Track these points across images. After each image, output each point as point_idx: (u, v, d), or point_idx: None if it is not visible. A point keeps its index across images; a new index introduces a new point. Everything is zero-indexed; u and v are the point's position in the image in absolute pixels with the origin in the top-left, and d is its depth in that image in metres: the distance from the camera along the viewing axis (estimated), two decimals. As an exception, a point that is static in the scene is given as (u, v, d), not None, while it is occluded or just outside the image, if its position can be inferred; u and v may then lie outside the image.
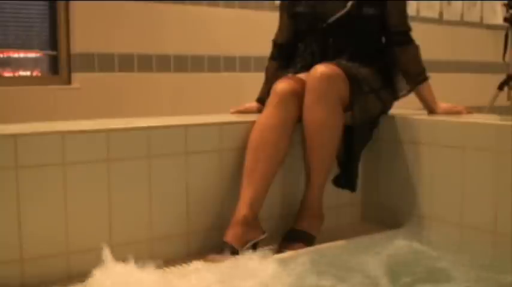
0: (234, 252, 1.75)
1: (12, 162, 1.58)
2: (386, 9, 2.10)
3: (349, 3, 2.06)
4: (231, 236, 1.79)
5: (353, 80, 1.94)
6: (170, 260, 1.76)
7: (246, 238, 1.81)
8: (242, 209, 1.83)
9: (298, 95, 1.94)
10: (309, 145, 1.94)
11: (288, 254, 1.80)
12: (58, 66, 3.45)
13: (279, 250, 1.87)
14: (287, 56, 2.24)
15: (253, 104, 2.22)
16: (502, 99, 4.05)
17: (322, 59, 2.04)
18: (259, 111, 2.11)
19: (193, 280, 1.56)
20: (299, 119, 1.95)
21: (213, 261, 1.71)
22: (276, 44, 2.26)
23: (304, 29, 2.15)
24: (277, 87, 1.96)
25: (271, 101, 1.94)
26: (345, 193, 2.09)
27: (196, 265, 1.71)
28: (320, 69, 1.91)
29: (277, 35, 2.27)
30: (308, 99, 1.92)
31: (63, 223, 1.66)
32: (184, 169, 1.87)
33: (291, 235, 1.93)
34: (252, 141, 1.91)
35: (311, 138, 1.92)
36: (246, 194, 1.85)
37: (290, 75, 2.05)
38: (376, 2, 2.08)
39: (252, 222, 1.83)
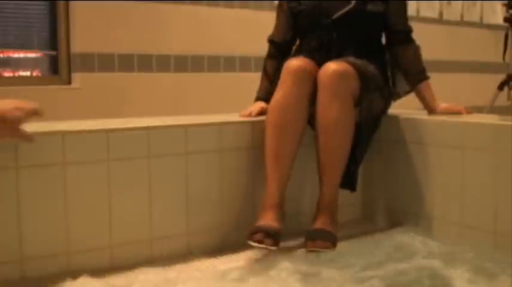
0: (276, 235, 1.76)
1: (13, 162, 1.58)
2: (389, 8, 2.11)
3: (354, 0, 2.06)
4: (269, 219, 1.80)
5: (363, 78, 1.95)
6: (170, 260, 1.76)
7: (281, 223, 1.83)
8: (274, 194, 1.85)
9: (311, 73, 1.94)
10: (324, 143, 1.91)
11: (286, 254, 1.80)
12: (58, 66, 3.45)
13: (305, 249, 1.84)
14: (285, 54, 2.23)
15: (263, 105, 2.14)
16: (502, 99, 4.05)
17: (325, 55, 2.04)
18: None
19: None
20: (314, 97, 1.94)
21: (259, 243, 1.72)
22: (274, 43, 2.24)
23: (307, 25, 2.15)
24: (292, 65, 1.95)
25: (286, 79, 1.93)
26: (345, 193, 2.09)
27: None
28: (332, 66, 1.92)
29: (275, 33, 2.25)
30: (322, 97, 1.91)
31: (63, 222, 1.66)
32: (184, 169, 1.86)
33: (316, 234, 1.86)
34: (272, 123, 1.90)
35: (326, 136, 1.91)
36: (276, 178, 1.87)
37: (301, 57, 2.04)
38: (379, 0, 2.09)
39: (282, 206, 1.87)
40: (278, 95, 1.93)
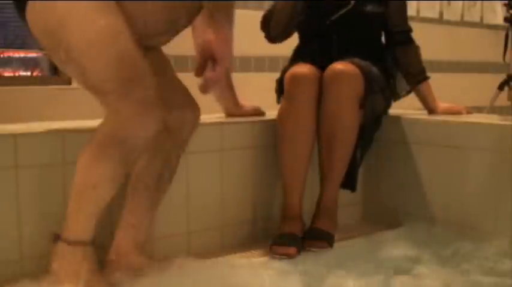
0: (298, 243, 1.80)
1: (12, 162, 1.58)
2: (389, 8, 2.10)
3: (352, 1, 2.06)
4: (292, 228, 1.84)
5: (367, 79, 1.95)
6: (170, 258, 1.75)
7: (301, 232, 1.87)
8: (292, 205, 1.88)
9: (315, 78, 1.94)
10: (328, 144, 1.92)
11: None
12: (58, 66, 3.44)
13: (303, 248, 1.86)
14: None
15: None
16: (502, 99, 4.05)
17: (326, 57, 2.04)
18: None
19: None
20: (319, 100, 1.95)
21: (285, 253, 1.76)
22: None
23: (306, 27, 2.15)
24: (295, 74, 1.94)
25: (291, 90, 1.93)
26: (345, 193, 2.09)
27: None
28: (338, 67, 1.91)
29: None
30: (327, 97, 1.91)
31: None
32: (184, 169, 1.86)
33: (313, 233, 1.89)
34: (284, 137, 1.91)
35: (331, 137, 1.91)
36: (293, 190, 1.89)
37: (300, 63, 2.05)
38: (378, 0, 2.09)
39: (301, 215, 1.90)
40: (285, 107, 1.93)
